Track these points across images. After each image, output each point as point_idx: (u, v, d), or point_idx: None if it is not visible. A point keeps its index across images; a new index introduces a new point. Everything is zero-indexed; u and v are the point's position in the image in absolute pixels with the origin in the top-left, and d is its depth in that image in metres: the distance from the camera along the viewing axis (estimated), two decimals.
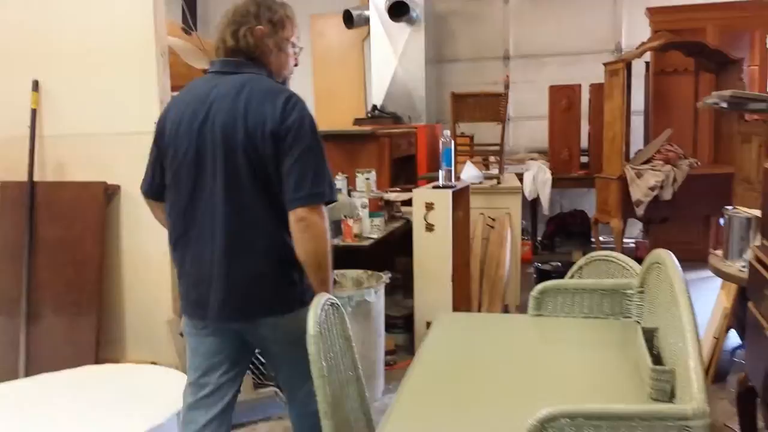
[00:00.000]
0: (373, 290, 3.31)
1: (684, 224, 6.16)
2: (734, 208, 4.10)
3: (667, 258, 1.63)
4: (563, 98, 6.30)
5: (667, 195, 5.54)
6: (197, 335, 2.08)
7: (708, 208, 5.81)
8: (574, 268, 2.75)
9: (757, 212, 2.92)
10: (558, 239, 6.53)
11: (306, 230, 1.87)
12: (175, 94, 3.26)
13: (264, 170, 1.90)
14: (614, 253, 2.66)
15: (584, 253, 6.17)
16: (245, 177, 1.90)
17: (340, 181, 4.05)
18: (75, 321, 2.98)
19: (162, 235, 3.09)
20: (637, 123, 6.44)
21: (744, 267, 2.75)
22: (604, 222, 5.99)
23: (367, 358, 3.27)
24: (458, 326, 2.05)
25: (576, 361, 1.73)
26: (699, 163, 5.78)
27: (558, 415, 1.19)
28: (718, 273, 2.96)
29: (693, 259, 6.07)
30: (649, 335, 1.64)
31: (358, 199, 3.88)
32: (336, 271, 3.55)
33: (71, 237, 3.04)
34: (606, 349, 1.79)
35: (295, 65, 2.23)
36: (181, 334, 2.28)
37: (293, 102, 1.95)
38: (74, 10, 3.16)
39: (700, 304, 4.29)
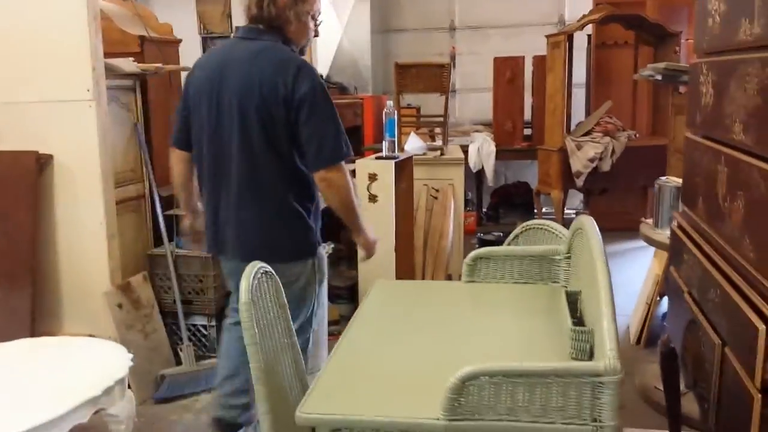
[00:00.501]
0: None
1: (622, 195, 6.33)
2: (667, 178, 4.24)
3: (587, 223, 1.69)
4: (507, 70, 6.36)
5: (606, 166, 5.68)
6: (224, 267, 2.45)
7: (645, 179, 5.95)
8: (511, 237, 2.81)
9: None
10: (502, 210, 6.64)
11: (329, 187, 2.17)
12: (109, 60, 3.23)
13: (274, 132, 2.14)
14: (548, 222, 2.73)
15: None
16: (257, 137, 2.15)
17: None
18: (9, 294, 2.91)
19: (97, 205, 3.07)
20: (579, 95, 6.55)
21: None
22: (546, 193, 6.11)
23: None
24: (395, 292, 2.09)
25: (505, 325, 1.79)
26: (637, 135, 5.93)
27: (478, 373, 1.23)
28: (649, 240, 3.07)
29: (630, 228, 6.24)
30: (573, 298, 1.71)
31: None
32: None
33: (2, 208, 2.96)
34: (534, 313, 1.84)
35: (315, 36, 2.37)
36: None
37: (304, 72, 2.13)
38: None
39: (634, 271, 4.47)
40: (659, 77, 3.95)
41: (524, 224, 2.78)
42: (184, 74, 4.23)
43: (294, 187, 2.22)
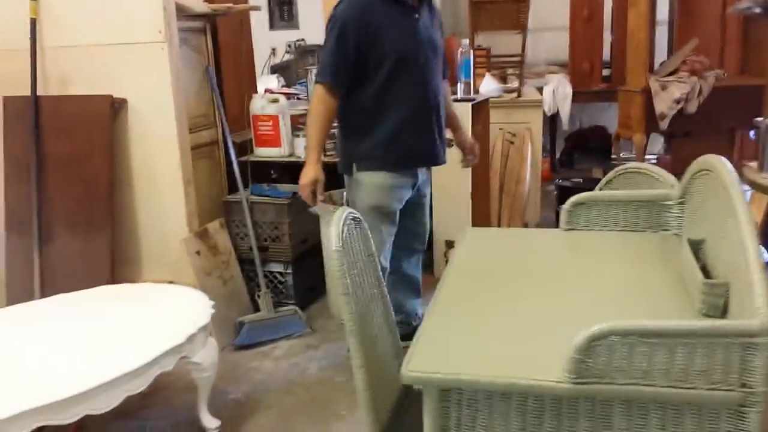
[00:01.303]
0: None
1: (707, 138, 5.94)
2: (765, 118, 3.93)
3: (719, 164, 1.51)
4: (584, 7, 6.00)
5: (692, 108, 5.33)
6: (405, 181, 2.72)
7: (733, 121, 5.60)
8: (603, 181, 2.62)
9: None
10: (577, 155, 6.38)
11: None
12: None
13: None
14: (645, 164, 2.53)
15: (604, 170, 6.10)
16: None
17: None
18: (88, 240, 2.91)
19: (173, 150, 3.00)
20: (662, 34, 6.14)
21: None
22: (626, 137, 5.81)
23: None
24: (486, 242, 1.96)
25: (614, 277, 1.64)
26: (726, 74, 5.54)
27: (609, 332, 1.10)
28: (754, 185, 2.83)
29: None
30: (695, 248, 1.54)
31: None
32: None
33: (79, 153, 2.93)
34: (645, 264, 1.69)
35: None
36: None
37: (338, 3, 2.52)
38: None
39: None
40: (759, 9, 3.63)
41: (618, 168, 2.60)
42: (254, 14, 4.12)
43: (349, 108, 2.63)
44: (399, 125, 2.56)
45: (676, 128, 5.54)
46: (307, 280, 3.47)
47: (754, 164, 2.94)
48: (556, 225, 4.41)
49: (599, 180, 4.61)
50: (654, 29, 5.49)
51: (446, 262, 3.88)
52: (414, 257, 2.95)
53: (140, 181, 3.04)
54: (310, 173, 2.54)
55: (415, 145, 2.62)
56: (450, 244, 3.78)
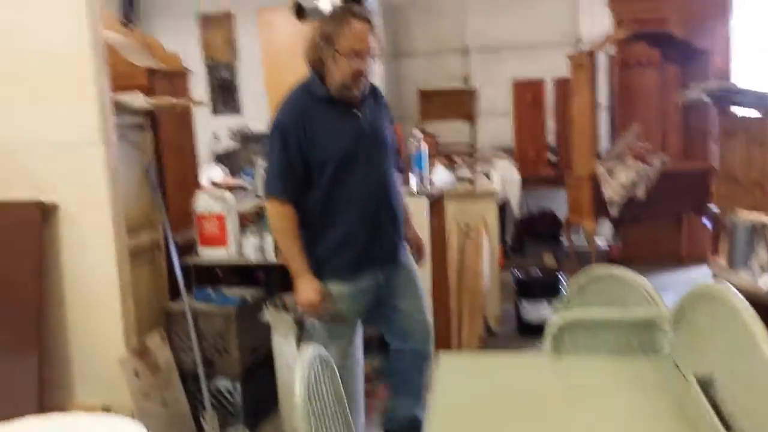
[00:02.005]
0: None
1: (655, 223, 6.00)
2: (717, 207, 3.94)
3: (730, 295, 1.37)
4: (527, 94, 6.10)
5: (641, 193, 5.37)
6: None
7: (680, 206, 5.68)
8: (574, 287, 2.50)
9: (763, 217, 2.73)
10: (527, 241, 6.34)
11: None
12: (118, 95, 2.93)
13: None
14: (620, 270, 2.42)
15: (555, 256, 6.07)
16: None
17: None
18: (13, 365, 2.58)
19: (109, 258, 2.73)
20: (602, 119, 6.26)
21: (753, 279, 2.55)
22: (577, 223, 5.80)
23: (346, 392, 2.97)
24: (466, 371, 1.77)
25: (612, 411, 1.47)
26: (669, 160, 5.63)
27: None
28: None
29: (665, 259, 5.94)
30: (705, 387, 1.39)
31: None
32: None
33: (3, 266, 2.65)
34: (642, 394, 1.53)
35: (357, 74, 2.40)
36: None
37: (279, 106, 2.49)
38: None
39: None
40: (707, 99, 3.68)
41: (591, 273, 2.47)
42: (197, 109, 3.95)
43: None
44: (348, 229, 2.46)
45: (625, 214, 5.56)
46: (258, 395, 3.19)
47: (721, 260, 2.88)
48: (517, 317, 4.39)
49: (555, 270, 4.58)
50: (596, 114, 5.57)
51: None
52: (414, 359, 2.70)
53: (73, 295, 2.75)
54: (311, 289, 2.41)
55: (368, 248, 2.49)
56: None
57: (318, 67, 2.40)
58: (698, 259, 5.73)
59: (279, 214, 2.41)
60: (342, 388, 1.57)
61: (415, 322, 2.68)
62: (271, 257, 3.18)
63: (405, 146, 3.68)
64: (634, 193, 5.35)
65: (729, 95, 3.46)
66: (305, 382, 1.34)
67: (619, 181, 5.33)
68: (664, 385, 1.56)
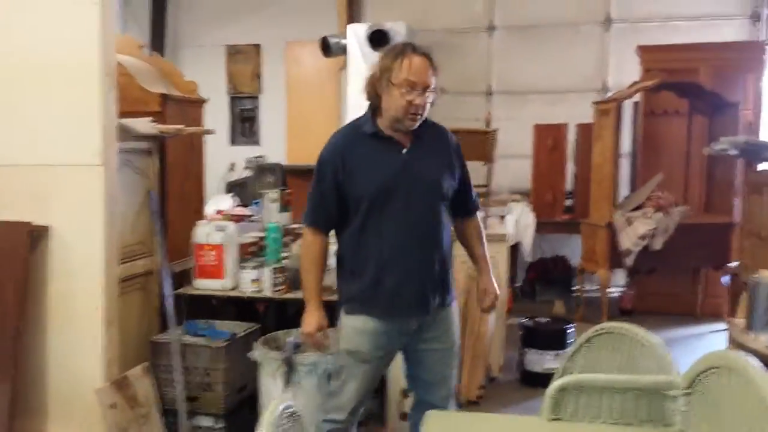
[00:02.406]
0: None
1: (671, 275, 5.80)
2: (738, 264, 3.77)
3: (748, 366, 1.22)
4: (549, 137, 5.98)
5: (658, 245, 5.20)
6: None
7: (698, 260, 5.49)
8: (581, 340, 2.35)
9: None
10: (539, 287, 6.16)
11: None
12: (124, 120, 2.87)
13: None
14: (628, 326, 2.28)
15: (566, 303, 5.88)
16: None
17: None
18: None
19: (96, 286, 2.62)
20: (624, 167, 6.12)
21: None
22: (591, 271, 5.63)
23: None
24: (454, 430, 1.62)
25: None
26: (691, 211, 5.46)
27: None
28: (741, 347, 2.57)
29: (679, 312, 5.74)
30: None
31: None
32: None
33: None
34: None
35: (414, 108, 2.31)
36: None
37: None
38: None
39: (688, 361, 3.84)
40: (735, 152, 3.54)
41: (598, 327, 2.33)
42: (207, 137, 3.89)
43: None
44: (379, 268, 2.34)
45: (640, 264, 5.39)
46: None
47: (740, 321, 2.70)
48: (520, 366, 4.20)
49: (566, 320, 4.39)
50: (618, 162, 5.43)
51: (400, 414, 3.50)
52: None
53: (55, 320, 2.65)
54: (313, 321, 2.40)
55: (398, 291, 2.35)
56: (405, 394, 3.41)
57: (374, 102, 2.35)
58: (713, 315, 5.54)
59: (306, 242, 2.43)
60: None
61: (439, 378, 2.53)
62: (269, 291, 3.06)
63: None
64: (651, 244, 5.17)
65: (757, 149, 3.31)
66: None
67: (637, 231, 5.17)
68: None
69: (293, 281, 3.15)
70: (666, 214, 5.25)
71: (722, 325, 5.36)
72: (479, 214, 2.61)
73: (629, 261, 5.19)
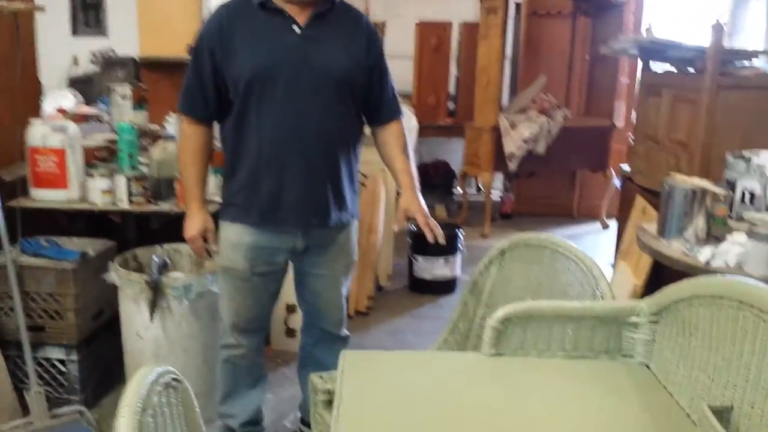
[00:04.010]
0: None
1: (549, 178, 5.79)
2: (633, 167, 3.67)
3: (756, 291, 0.96)
4: (432, 37, 5.63)
5: (541, 148, 5.09)
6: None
7: (577, 163, 5.46)
8: (493, 253, 2.11)
9: (704, 182, 2.42)
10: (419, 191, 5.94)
11: None
12: None
13: None
14: (546, 236, 2.05)
15: (447, 207, 5.73)
16: None
17: (171, 124, 3.10)
18: None
19: None
20: (504, 69, 5.90)
21: (691, 251, 2.23)
22: (473, 175, 5.48)
23: (210, 365, 2.45)
24: (379, 373, 1.30)
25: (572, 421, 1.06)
26: (572, 115, 5.38)
27: None
28: (655, 254, 2.42)
29: (557, 214, 5.77)
30: (718, 416, 0.99)
31: None
32: (170, 245, 2.66)
33: None
34: (614, 404, 1.13)
35: None
36: None
37: None
38: None
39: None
40: (635, 51, 3.35)
41: (516, 238, 2.09)
42: (53, 17, 3.21)
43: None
44: (252, 170, 1.98)
45: (521, 168, 5.29)
46: (100, 368, 2.61)
47: (650, 227, 2.55)
48: (410, 273, 4.00)
49: (454, 225, 4.19)
50: (503, 64, 5.20)
51: (287, 329, 3.20)
52: (323, 341, 2.30)
53: None
54: (195, 223, 2.07)
55: (277, 198, 1.98)
56: (291, 309, 3.10)
57: None
58: (589, 216, 5.63)
59: (183, 133, 2.08)
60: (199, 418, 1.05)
61: (329, 304, 2.23)
62: (124, 203, 2.57)
63: None
64: (534, 148, 5.06)
65: (661, 49, 3.12)
66: (135, 414, 0.81)
67: (521, 135, 5.02)
68: (635, 396, 1.16)
69: (156, 191, 2.69)
70: (549, 117, 5.12)
71: (598, 225, 5.47)
72: (400, 123, 2.19)
73: (513, 165, 5.06)
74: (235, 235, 2.05)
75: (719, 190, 2.42)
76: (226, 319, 2.15)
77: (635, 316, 1.29)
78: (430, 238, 2.11)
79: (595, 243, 5.01)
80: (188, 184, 2.08)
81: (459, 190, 5.73)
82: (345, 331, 2.32)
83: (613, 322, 1.30)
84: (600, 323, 1.30)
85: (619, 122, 5.39)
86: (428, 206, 2.19)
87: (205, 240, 2.08)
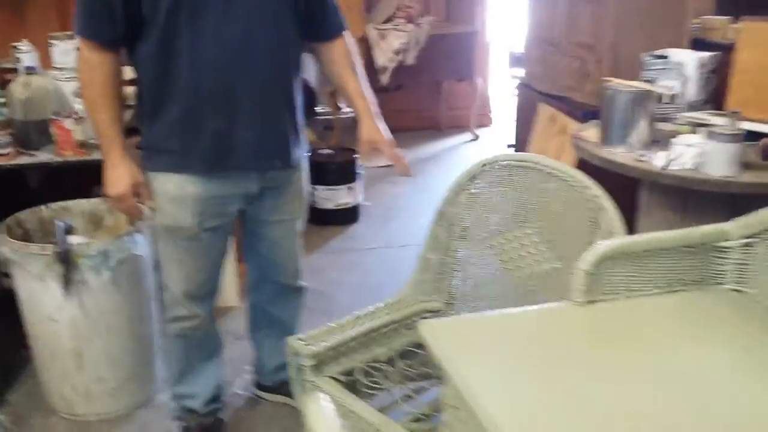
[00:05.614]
0: (139, 235, 2.07)
1: (415, 91, 5.66)
2: (528, 78, 3.63)
3: None
4: None
5: (410, 59, 4.92)
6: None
7: (444, 73, 5.36)
8: (462, 178, 1.93)
9: (645, 86, 2.39)
10: None
11: None
12: None
13: None
14: (530, 156, 1.92)
15: (314, 130, 5.43)
16: None
17: (25, 53, 2.54)
18: None
19: None
20: None
21: (643, 156, 2.22)
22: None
23: (142, 341, 2.10)
24: (473, 340, 1.09)
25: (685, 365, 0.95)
26: (436, 21, 5.24)
27: None
28: (606, 163, 2.37)
29: (424, 127, 5.69)
30: None
31: (66, 83, 2.46)
32: (57, 204, 2.21)
33: None
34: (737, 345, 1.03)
35: None
36: None
37: None
38: None
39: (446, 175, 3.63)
40: None
41: (491, 158, 1.93)
42: None
43: None
44: (190, 103, 1.65)
45: (389, 81, 5.10)
46: None
47: (591, 134, 2.49)
48: (312, 207, 3.69)
49: (350, 150, 3.95)
50: None
51: None
52: (280, 296, 2.07)
53: None
54: (121, 175, 1.69)
55: (227, 135, 1.68)
56: None
57: None
58: (456, 127, 5.61)
59: (87, 64, 1.66)
60: None
61: (289, 254, 1.98)
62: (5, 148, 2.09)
63: None
64: (404, 59, 4.88)
65: None
66: None
67: (392, 45, 4.80)
68: (745, 327, 1.07)
69: (25, 139, 2.23)
70: (417, 25, 4.94)
71: (467, 136, 5.47)
72: (347, 38, 1.92)
73: (385, 78, 4.87)
74: (174, 187, 1.71)
75: (664, 91, 2.42)
76: (175, 288, 1.82)
77: (726, 239, 1.18)
78: (399, 170, 1.89)
79: (467, 155, 5.01)
80: (102, 128, 1.69)
81: (324, 109, 5.45)
82: (302, 282, 2.08)
83: (701, 248, 1.19)
84: (687, 252, 1.19)
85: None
86: None
87: (137, 195, 1.72)
